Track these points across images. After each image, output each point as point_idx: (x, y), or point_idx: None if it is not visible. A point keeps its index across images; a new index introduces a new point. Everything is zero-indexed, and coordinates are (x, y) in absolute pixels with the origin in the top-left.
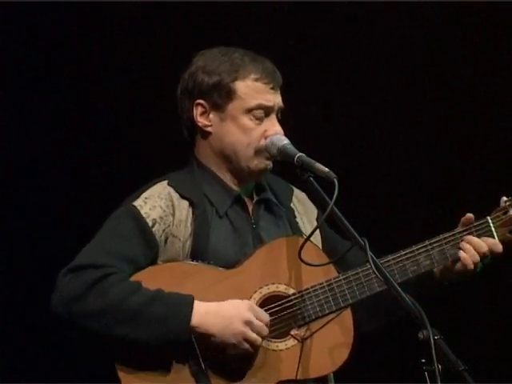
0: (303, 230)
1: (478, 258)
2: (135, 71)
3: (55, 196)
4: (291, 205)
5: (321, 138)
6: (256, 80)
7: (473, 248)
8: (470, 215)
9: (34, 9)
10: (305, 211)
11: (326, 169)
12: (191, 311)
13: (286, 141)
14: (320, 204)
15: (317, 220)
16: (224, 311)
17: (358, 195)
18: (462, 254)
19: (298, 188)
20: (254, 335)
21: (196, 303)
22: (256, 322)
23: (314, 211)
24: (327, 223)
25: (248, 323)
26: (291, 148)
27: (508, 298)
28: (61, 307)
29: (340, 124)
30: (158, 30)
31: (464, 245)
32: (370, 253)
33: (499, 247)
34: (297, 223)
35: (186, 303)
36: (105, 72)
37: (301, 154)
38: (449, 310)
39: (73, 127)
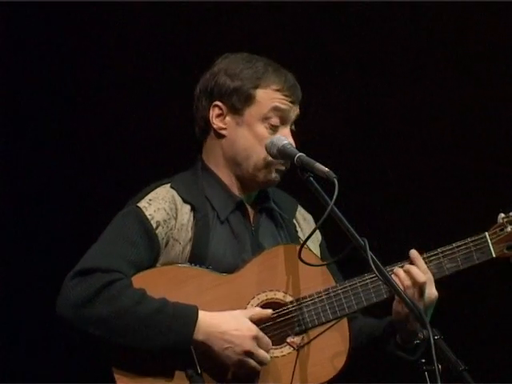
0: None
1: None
2: (140, 71)
3: (59, 196)
4: (294, 220)
5: (321, 138)
6: (277, 91)
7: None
8: (413, 251)
9: (34, 9)
10: (309, 231)
11: (326, 169)
12: (194, 326)
13: (285, 141)
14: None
15: (320, 246)
16: (227, 334)
17: (358, 195)
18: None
19: (299, 192)
20: (254, 363)
21: (200, 316)
22: (258, 353)
23: (318, 235)
24: (327, 223)
25: (249, 354)
26: (291, 148)
27: (508, 297)
28: (66, 311)
29: (340, 124)
30: (158, 29)
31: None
32: (370, 253)
33: (421, 277)
34: (298, 238)
35: (190, 317)
36: (108, 72)
37: (301, 153)
38: (449, 309)
39: (75, 127)
